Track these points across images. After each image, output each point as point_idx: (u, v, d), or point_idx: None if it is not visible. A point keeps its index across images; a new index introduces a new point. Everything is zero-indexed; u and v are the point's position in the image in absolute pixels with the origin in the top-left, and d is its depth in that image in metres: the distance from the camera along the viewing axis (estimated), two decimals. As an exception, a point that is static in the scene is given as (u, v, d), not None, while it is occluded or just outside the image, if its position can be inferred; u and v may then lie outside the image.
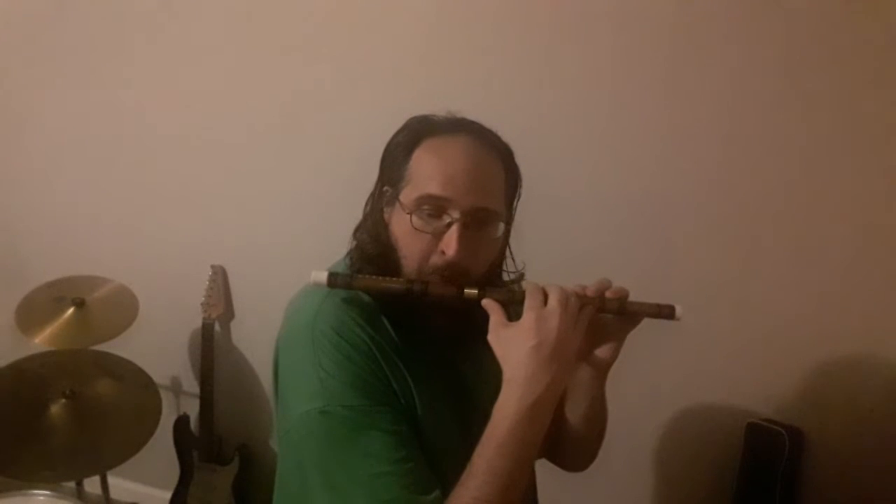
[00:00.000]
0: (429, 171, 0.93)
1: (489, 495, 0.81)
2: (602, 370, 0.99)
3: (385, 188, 1.00)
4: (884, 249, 1.54)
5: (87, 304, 1.81)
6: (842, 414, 1.68)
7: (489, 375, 0.90)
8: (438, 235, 0.93)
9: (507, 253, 1.07)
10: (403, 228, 0.94)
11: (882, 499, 1.69)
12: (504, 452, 0.82)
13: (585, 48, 1.55)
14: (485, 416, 0.86)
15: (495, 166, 0.97)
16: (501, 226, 0.97)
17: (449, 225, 0.91)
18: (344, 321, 0.93)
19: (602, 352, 0.96)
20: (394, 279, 0.94)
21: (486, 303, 0.91)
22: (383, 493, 0.83)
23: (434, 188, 0.91)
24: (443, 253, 0.92)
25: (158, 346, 2.01)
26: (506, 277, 1.08)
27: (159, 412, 1.73)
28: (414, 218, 0.93)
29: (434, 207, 0.92)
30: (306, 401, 0.88)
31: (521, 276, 1.07)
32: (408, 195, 0.94)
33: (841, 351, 1.64)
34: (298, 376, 0.92)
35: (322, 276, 0.93)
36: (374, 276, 0.95)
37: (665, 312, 0.93)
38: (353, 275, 0.96)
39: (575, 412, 1.05)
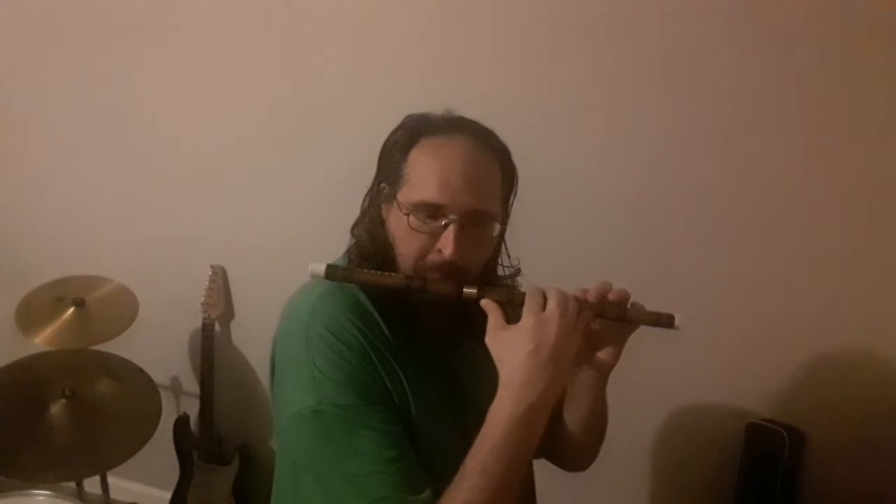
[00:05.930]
0: (426, 175, 0.93)
1: (481, 498, 0.80)
2: (603, 373, 0.99)
3: (382, 185, 1.01)
4: (883, 249, 1.54)
5: (87, 304, 1.81)
6: (841, 414, 1.68)
7: (485, 375, 0.90)
8: (435, 235, 0.93)
9: (503, 248, 1.07)
10: (401, 228, 0.94)
11: (882, 498, 1.69)
12: (498, 455, 0.82)
13: (584, 48, 1.55)
14: (479, 416, 0.85)
15: (492, 167, 0.97)
16: (497, 226, 0.97)
17: (446, 225, 0.92)
18: (338, 320, 0.93)
19: (603, 355, 0.96)
20: (392, 274, 0.94)
21: (486, 303, 0.90)
22: (374, 492, 0.83)
23: (431, 195, 0.92)
24: (440, 252, 0.92)
25: (158, 346, 2.01)
26: (501, 272, 1.08)
27: (159, 412, 1.73)
28: (411, 219, 0.93)
29: (431, 210, 0.92)
30: (299, 399, 0.88)
31: (518, 272, 1.07)
32: (405, 196, 0.94)
33: (841, 351, 1.63)
34: (292, 375, 0.92)
35: (320, 268, 0.92)
36: (372, 271, 0.95)
37: (664, 321, 0.92)
38: (352, 268, 0.96)
39: (576, 414, 1.06)
